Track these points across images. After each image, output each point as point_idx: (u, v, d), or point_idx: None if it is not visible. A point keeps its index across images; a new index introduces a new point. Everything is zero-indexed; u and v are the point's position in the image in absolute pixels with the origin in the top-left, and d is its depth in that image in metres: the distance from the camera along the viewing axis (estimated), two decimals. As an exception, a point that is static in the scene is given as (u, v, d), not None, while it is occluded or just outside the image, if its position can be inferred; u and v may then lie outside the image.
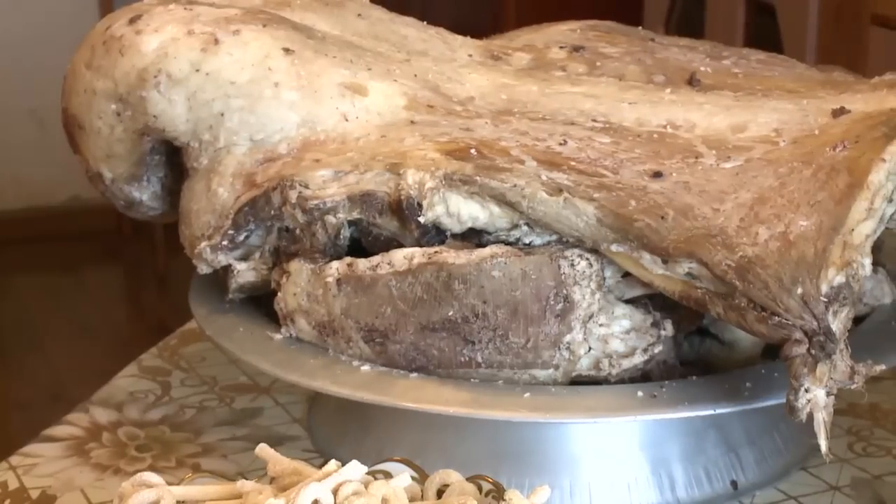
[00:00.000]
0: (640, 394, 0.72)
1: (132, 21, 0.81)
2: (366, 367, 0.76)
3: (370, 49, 0.85)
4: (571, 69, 0.88)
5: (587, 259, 0.72)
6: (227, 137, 0.80)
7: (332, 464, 0.60)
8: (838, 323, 0.68)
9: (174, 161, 0.86)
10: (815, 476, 0.82)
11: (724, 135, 0.78)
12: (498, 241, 0.75)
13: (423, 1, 3.27)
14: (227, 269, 0.82)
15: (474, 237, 0.76)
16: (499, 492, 0.60)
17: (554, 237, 0.74)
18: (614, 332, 0.74)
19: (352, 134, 0.79)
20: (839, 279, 0.69)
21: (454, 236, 0.76)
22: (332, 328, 0.77)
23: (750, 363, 0.77)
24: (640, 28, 0.97)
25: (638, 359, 0.74)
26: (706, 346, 0.79)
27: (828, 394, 0.67)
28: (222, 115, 0.80)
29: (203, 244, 0.80)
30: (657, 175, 0.73)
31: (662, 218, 0.70)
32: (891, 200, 0.73)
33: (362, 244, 0.79)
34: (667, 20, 2.97)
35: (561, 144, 0.76)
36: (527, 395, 0.73)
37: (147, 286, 3.42)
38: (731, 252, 0.68)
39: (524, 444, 0.77)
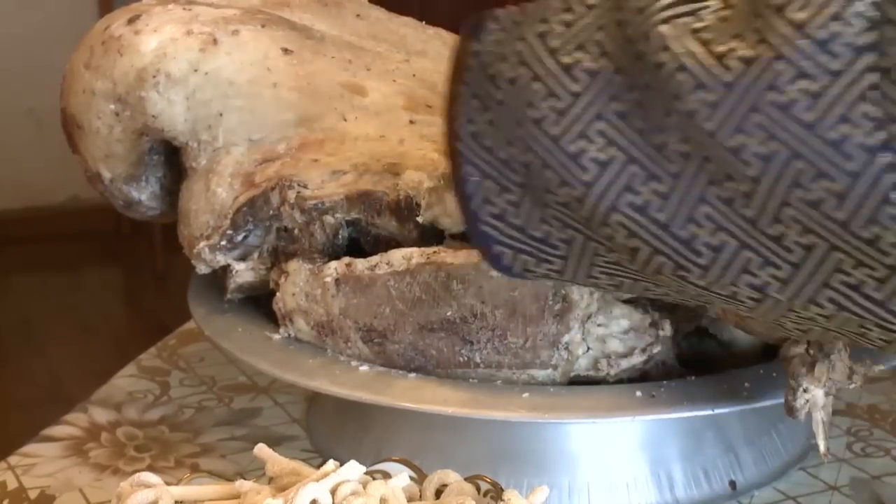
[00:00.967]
0: (638, 394, 0.72)
1: (131, 21, 0.81)
2: (364, 367, 0.76)
3: (369, 49, 0.85)
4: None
5: (586, 259, 0.72)
6: (226, 137, 0.80)
7: (331, 464, 0.60)
8: (837, 323, 0.68)
9: (173, 161, 0.86)
10: (813, 476, 0.82)
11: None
12: (497, 241, 0.75)
13: (422, 1, 3.27)
14: (225, 269, 0.81)
15: (473, 237, 0.76)
16: (497, 492, 0.60)
17: (552, 237, 0.74)
18: (613, 332, 0.74)
19: (350, 134, 0.79)
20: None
21: (452, 236, 0.76)
22: (331, 328, 0.76)
23: (748, 363, 0.77)
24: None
25: (636, 359, 0.74)
26: (705, 346, 0.79)
27: (826, 394, 0.67)
28: (221, 114, 0.80)
29: (202, 244, 0.80)
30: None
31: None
32: None
33: (361, 244, 0.79)
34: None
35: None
36: (525, 395, 0.72)
37: (146, 286, 3.42)
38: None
39: (523, 444, 0.77)
